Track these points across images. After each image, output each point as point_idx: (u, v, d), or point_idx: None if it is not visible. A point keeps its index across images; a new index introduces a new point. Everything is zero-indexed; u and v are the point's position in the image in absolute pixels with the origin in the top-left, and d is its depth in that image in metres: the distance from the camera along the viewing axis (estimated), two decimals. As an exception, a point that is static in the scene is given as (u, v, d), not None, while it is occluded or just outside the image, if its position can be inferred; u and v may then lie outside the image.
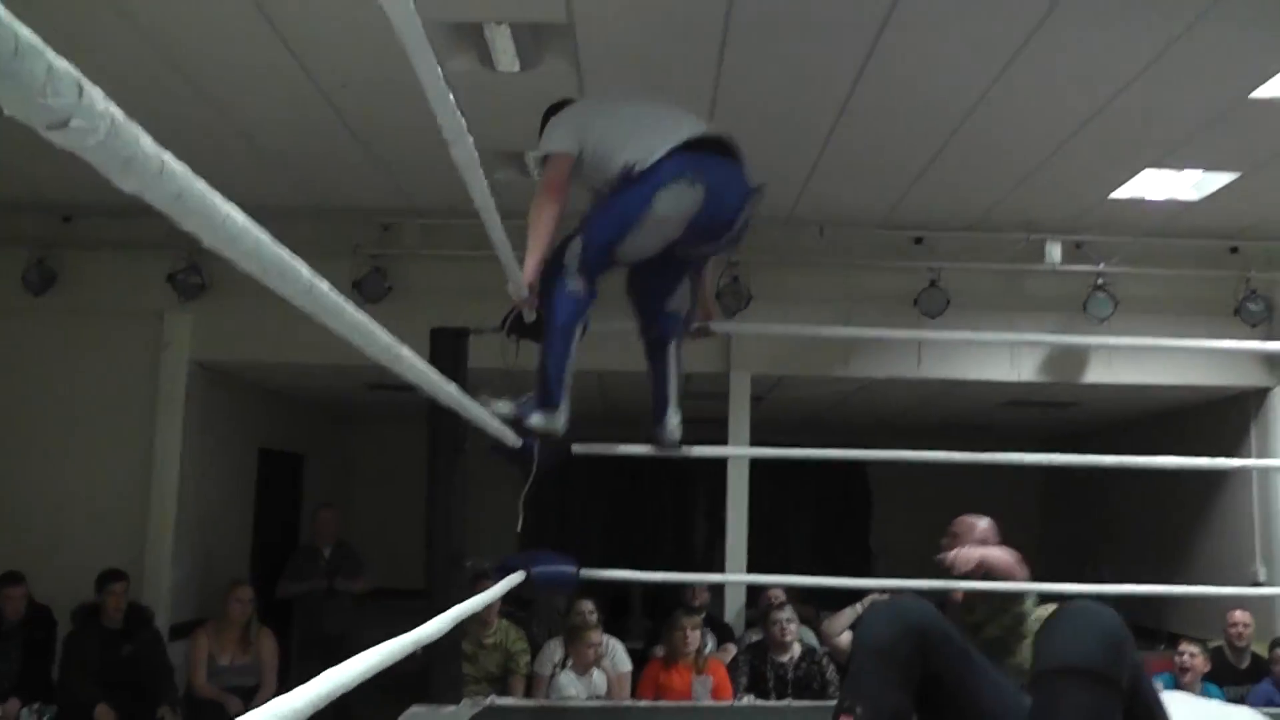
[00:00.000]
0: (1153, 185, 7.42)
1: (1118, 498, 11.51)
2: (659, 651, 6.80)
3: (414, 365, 2.00)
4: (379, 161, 7.08)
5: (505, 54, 5.23)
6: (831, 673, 6.36)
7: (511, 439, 3.84)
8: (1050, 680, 2.25)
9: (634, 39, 5.28)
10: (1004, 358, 8.79)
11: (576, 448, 4.08)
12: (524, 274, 3.39)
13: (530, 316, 3.54)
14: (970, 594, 3.83)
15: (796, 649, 6.49)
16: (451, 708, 3.97)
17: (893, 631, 2.60)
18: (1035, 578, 4.03)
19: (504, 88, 5.61)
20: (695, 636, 6.49)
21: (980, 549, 3.88)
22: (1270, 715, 2.71)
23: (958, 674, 2.64)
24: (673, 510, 13.33)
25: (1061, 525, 13.03)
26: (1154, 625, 9.56)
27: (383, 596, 8.14)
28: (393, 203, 8.05)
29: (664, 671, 6.50)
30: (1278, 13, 4.91)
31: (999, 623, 3.76)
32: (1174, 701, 2.89)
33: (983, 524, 4.10)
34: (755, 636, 7.06)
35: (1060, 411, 10.75)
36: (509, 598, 7.12)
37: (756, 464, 8.89)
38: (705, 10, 5.01)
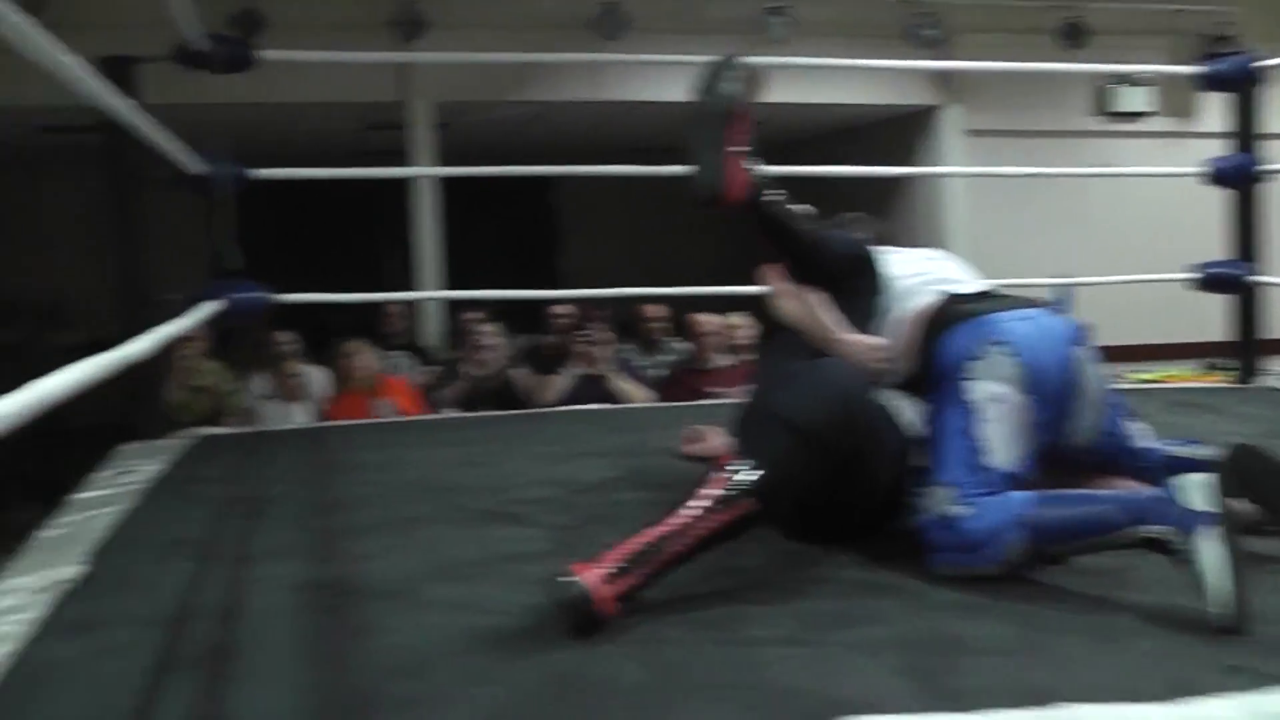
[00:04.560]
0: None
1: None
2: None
3: (84, 80, 1.94)
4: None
5: None
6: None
7: (193, 166, 3.76)
8: (765, 422, 2.30)
9: None
10: (683, 79, 8.90)
11: (255, 172, 4.02)
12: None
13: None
14: None
15: (494, 365, 6.60)
16: (162, 442, 3.92)
17: (824, 416, 2.30)
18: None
19: None
20: (365, 359, 6.43)
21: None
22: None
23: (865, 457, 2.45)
24: (360, 246, 13.18)
25: (740, 243, 13.50)
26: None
27: (93, 349, 7.85)
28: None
29: (343, 400, 6.46)
30: None
31: None
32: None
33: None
34: (454, 356, 7.13)
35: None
36: (211, 339, 7.01)
37: (448, 197, 8.88)
38: None
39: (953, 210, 9.64)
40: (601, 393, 5.91)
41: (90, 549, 2.57)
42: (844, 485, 2.43)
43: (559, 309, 7.22)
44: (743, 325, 6.60)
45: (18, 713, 1.77)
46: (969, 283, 2.83)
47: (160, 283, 3.96)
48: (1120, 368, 8.58)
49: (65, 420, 2.77)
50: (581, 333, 6.18)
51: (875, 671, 1.83)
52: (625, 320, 7.37)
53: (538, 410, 5.54)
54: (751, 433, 2.31)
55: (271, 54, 4.35)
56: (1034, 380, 2.44)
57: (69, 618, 2.14)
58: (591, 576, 2.01)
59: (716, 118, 2.52)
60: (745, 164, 2.53)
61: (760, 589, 2.24)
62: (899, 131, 10.22)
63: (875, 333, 2.73)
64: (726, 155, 2.52)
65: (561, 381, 6.12)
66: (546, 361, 6.48)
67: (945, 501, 2.35)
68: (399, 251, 9.49)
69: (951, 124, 9.75)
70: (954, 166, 9.59)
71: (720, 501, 2.14)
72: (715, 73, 2.56)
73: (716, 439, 3.51)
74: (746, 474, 2.18)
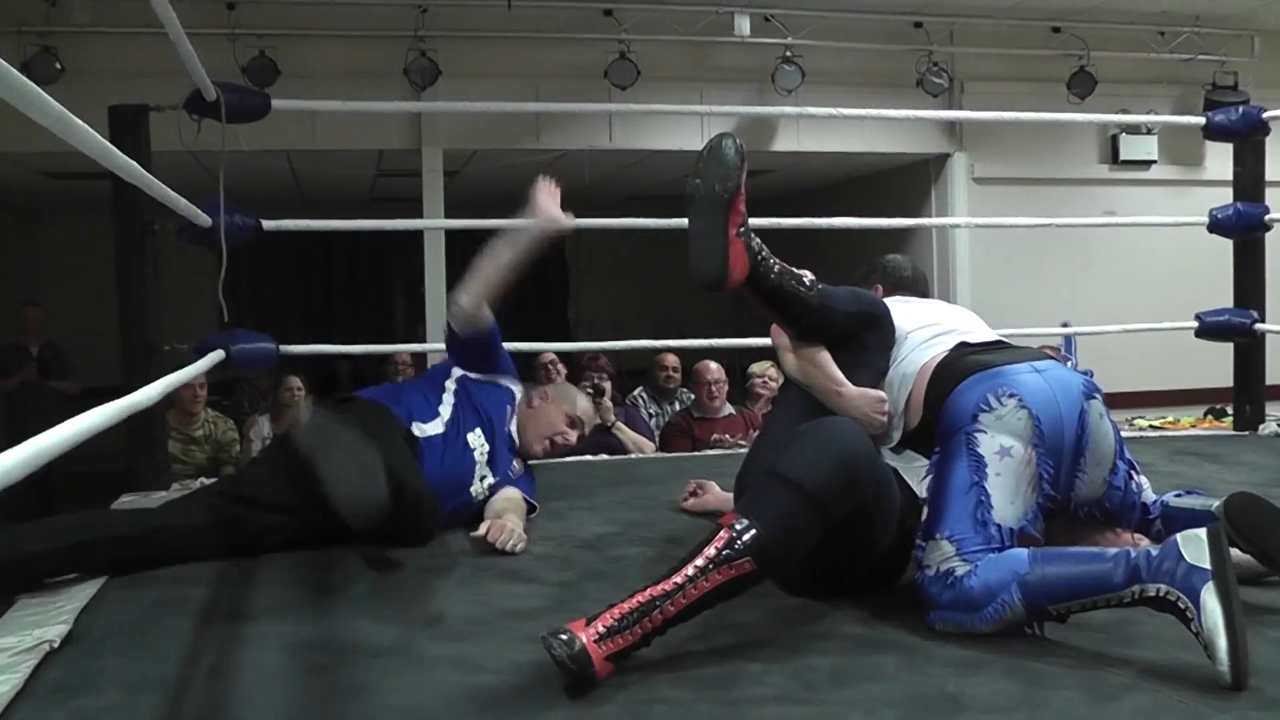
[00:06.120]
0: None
1: (816, 262, 12.01)
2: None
3: (89, 138, 1.96)
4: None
5: None
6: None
7: (202, 219, 3.77)
8: (769, 480, 2.30)
9: None
10: (695, 128, 8.95)
11: (267, 224, 4.05)
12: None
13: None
14: None
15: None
16: (161, 493, 3.85)
17: (828, 476, 2.25)
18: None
19: None
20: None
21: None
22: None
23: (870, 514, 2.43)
24: (372, 290, 13.27)
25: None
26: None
27: (92, 397, 7.84)
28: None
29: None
30: None
31: None
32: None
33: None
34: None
35: (754, 179, 11.06)
36: (213, 388, 7.04)
37: (454, 243, 8.91)
38: None
39: (961, 257, 9.67)
40: (606, 443, 5.90)
41: (79, 607, 2.52)
42: (846, 543, 2.42)
43: (549, 358, 7.16)
44: (768, 374, 6.62)
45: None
46: (980, 333, 2.84)
47: (169, 332, 3.97)
48: (1124, 414, 8.63)
49: (63, 467, 2.74)
50: (585, 382, 6.17)
51: (873, 731, 1.82)
52: (641, 368, 7.35)
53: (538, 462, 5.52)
54: (753, 490, 2.30)
55: (284, 104, 4.38)
56: (1043, 434, 2.43)
57: (54, 680, 2.10)
58: (585, 635, 2.01)
59: (716, 203, 2.52)
60: (744, 244, 2.54)
61: (758, 646, 2.24)
62: (908, 179, 10.30)
63: (886, 386, 2.73)
64: (729, 239, 2.52)
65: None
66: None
67: (946, 557, 2.34)
68: (410, 300, 9.50)
69: (960, 172, 9.78)
70: (962, 214, 9.63)
71: (719, 560, 2.14)
72: (712, 156, 2.55)
73: (717, 493, 3.51)
74: (747, 533, 2.17)
